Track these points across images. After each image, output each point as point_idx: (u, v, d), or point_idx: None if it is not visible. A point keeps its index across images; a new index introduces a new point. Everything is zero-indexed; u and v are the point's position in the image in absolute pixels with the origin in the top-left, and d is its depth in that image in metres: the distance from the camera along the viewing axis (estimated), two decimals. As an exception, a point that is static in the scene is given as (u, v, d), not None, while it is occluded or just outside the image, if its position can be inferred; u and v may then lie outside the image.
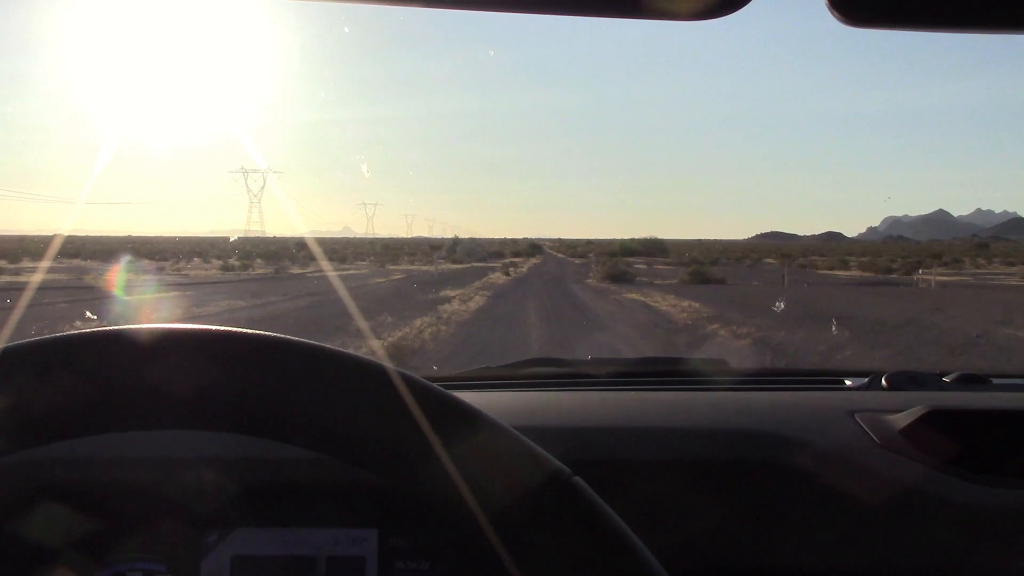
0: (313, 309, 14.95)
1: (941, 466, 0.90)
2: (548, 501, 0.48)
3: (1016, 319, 13.74)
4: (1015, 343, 10.80)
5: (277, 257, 43.45)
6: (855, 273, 37.43)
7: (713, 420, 1.00)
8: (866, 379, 1.27)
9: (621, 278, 27.81)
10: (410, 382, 0.50)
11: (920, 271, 34.30)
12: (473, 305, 16.53)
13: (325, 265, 38.82)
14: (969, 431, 0.94)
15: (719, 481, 0.91)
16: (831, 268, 43.10)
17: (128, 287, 21.81)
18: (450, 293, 19.24)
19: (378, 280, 27.36)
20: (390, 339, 10.13)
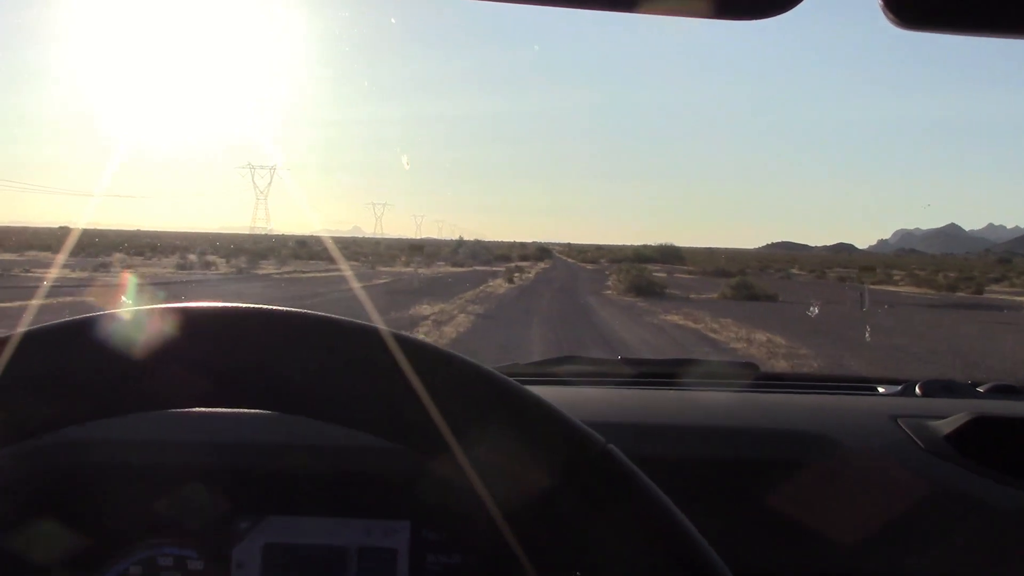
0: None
1: (986, 472, 0.90)
2: (583, 469, 0.47)
3: None
4: None
5: (260, 255, 40.78)
6: (915, 290, 31.95)
7: (748, 420, 0.99)
8: (899, 387, 1.24)
9: (648, 290, 22.53)
10: (435, 353, 0.49)
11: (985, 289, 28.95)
12: (450, 331, 11.40)
13: (309, 264, 35.20)
14: (1013, 439, 0.94)
15: (755, 480, 0.90)
16: (880, 283, 37.73)
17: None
18: (426, 310, 14.15)
19: (352, 286, 22.31)
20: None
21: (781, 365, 8.82)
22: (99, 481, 0.88)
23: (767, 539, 0.87)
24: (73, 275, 21.95)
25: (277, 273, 27.65)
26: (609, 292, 23.49)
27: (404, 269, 35.75)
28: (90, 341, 0.48)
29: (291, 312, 0.50)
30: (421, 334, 10.57)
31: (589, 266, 53.82)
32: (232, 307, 0.49)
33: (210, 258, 34.81)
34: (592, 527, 0.46)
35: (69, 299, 14.05)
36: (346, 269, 33.25)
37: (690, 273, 41.41)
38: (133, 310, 0.49)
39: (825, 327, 14.16)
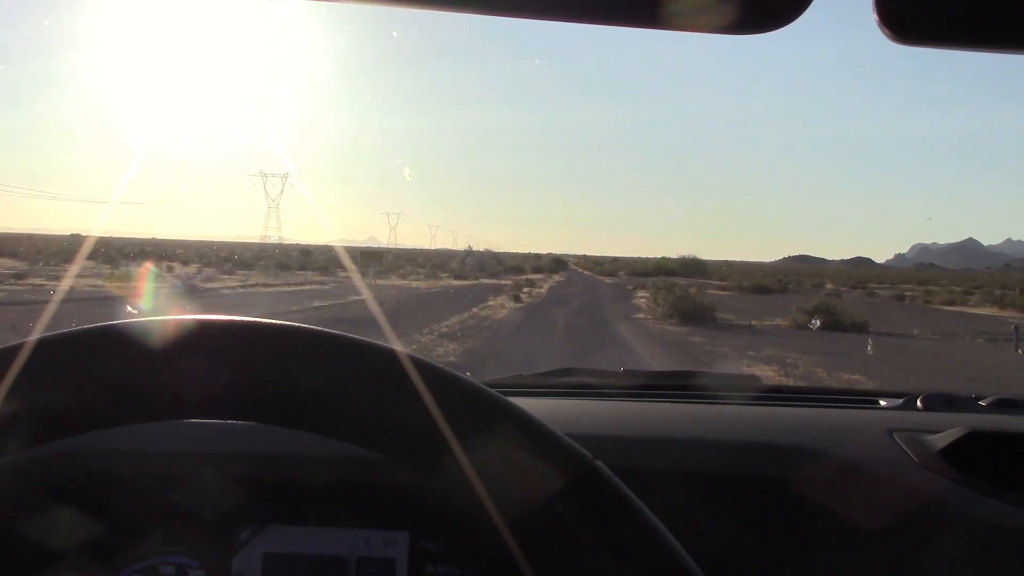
0: None
1: (979, 487, 0.89)
2: (569, 484, 0.48)
3: None
4: None
5: (246, 264, 38.36)
6: (1004, 313, 26.59)
7: (745, 433, 0.99)
8: (900, 400, 1.24)
9: (694, 315, 17.34)
10: (432, 369, 0.50)
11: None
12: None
13: (295, 276, 31.89)
14: (1008, 454, 0.94)
15: (751, 494, 0.91)
16: (951, 303, 32.37)
17: None
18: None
19: (315, 304, 17.39)
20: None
21: None
22: (100, 491, 0.88)
23: (761, 553, 0.88)
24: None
25: (228, 288, 22.73)
26: (642, 316, 18.41)
27: (401, 282, 31.42)
28: (107, 348, 0.48)
29: (311, 329, 0.50)
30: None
31: (608, 279, 48.69)
32: (247, 321, 0.50)
33: (172, 265, 30.28)
34: (577, 542, 0.46)
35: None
36: (336, 282, 28.64)
37: (723, 289, 36.12)
38: (153, 319, 0.49)
39: (980, 374, 9.12)
